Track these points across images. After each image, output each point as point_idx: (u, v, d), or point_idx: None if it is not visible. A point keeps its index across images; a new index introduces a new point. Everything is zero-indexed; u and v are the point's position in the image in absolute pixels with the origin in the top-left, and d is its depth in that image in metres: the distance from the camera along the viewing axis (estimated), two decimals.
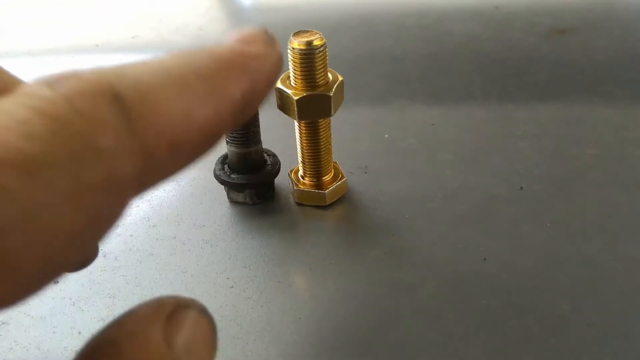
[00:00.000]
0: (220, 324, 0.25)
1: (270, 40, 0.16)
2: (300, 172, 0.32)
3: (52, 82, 0.12)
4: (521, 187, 0.33)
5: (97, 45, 0.51)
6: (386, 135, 0.38)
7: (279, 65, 0.16)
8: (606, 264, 0.28)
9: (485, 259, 0.28)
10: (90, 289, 0.28)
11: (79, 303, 0.27)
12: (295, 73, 0.27)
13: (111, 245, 0.30)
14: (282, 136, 0.35)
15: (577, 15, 0.50)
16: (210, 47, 0.15)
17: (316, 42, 0.27)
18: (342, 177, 0.32)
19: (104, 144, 0.11)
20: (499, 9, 0.52)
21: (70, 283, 0.28)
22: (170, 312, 0.14)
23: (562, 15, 0.51)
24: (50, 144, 0.11)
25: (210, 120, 0.14)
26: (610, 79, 0.43)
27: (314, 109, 0.28)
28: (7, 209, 0.10)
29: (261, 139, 0.31)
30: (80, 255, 0.12)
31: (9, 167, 0.10)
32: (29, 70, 0.49)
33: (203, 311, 0.15)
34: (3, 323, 0.26)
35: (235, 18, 0.56)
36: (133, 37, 0.51)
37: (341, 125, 0.37)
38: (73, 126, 0.11)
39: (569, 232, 0.30)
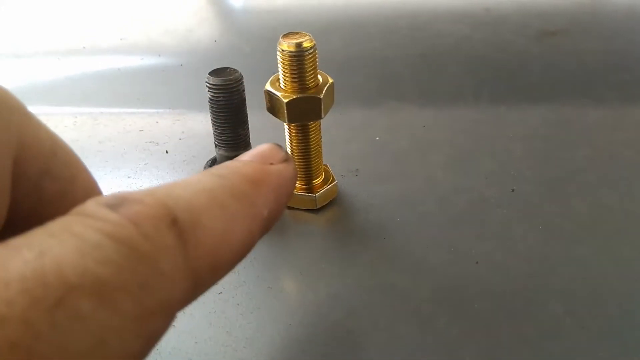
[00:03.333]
0: (208, 331, 0.25)
1: (285, 157, 0.18)
2: None
3: (114, 205, 0.12)
4: (513, 189, 0.33)
5: (85, 48, 0.50)
6: (377, 138, 0.38)
7: (295, 179, 0.18)
8: (599, 266, 0.28)
9: (477, 262, 0.28)
10: None
11: None
12: (285, 75, 0.27)
13: None
14: (271, 139, 0.34)
15: (567, 18, 0.50)
16: (235, 165, 0.16)
17: (306, 44, 0.26)
18: (333, 180, 0.32)
19: (166, 269, 0.12)
20: (489, 12, 0.52)
21: None
22: None
23: (552, 17, 0.51)
24: (121, 269, 0.11)
25: (245, 240, 0.15)
26: (601, 80, 0.43)
27: (304, 112, 0.28)
28: (82, 335, 0.10)
29: (250, 141, 0.31)
30: None
31: (86, 293, 0.10)
32: (15, 73, 0.48)
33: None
34: None
35: (224, 20, 0.55)
36: (121, 39, 0.51)
37: (332, 128, 0.37)
38: (141, 251, 0.11)
39: (561, 234, 0.30)
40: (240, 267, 0.28)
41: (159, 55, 0.48)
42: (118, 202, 0.12)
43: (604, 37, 0.48)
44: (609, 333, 0.24)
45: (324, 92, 0.27)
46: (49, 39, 0.52)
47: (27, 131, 0.15)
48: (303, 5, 0.54)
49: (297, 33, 0.27)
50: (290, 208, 0.32)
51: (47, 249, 0.11)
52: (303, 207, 0.32)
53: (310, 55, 0.26)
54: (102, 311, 0.10)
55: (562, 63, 0.45)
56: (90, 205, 0.12)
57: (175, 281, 0.12)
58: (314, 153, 0.30)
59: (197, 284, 0.13)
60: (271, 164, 0.17)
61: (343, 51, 0.46)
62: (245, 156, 0.17)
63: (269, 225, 0.16)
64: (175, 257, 0.12)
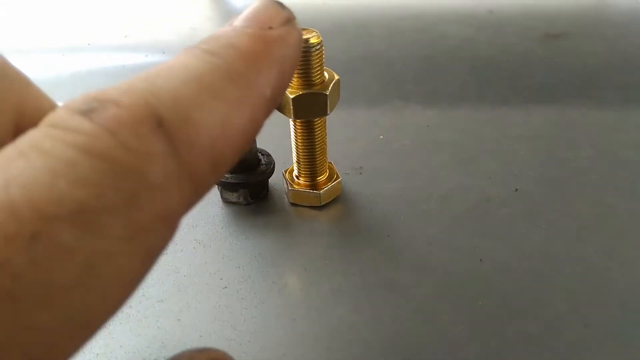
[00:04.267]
0: (213, 325, 0.25)
1: (288, 17, 0.15)
2: (295, 172, 0.32)
3: (85, 110, 0.10)
4: (516, 189, 0.33)
5: (89, 44, 0.50)
6: (381, 137, 0.38)
7: (301, 45, 0.15)
8: (602, 265, 0.28)
9: (481, 259, 0.28)
10: None
11: None
12: None
13: None
14: (276, 136, 0.34)
15: (570, 20, 0.51)
16: (228, 36, 0.13)
17: (313, 40, 0.26)
18: (337, 177, 0.32)
19: (155, 179, 0.10)
20: (493, 14, 0.52)
21: None
22: None
23: (556, 20, 0.51)
24: (103, 188, 0.10)
25: (247, 128, 0.13)
26: (604, 82, 0.43)
27: (309, 108, 0.28)
28: (67, 267, 0.09)
29: (255, 137, 0.31)
30: (132, 294, 0.11)
31: (66, 222, 0.09)
32: (20, 69, 0.48)
33: None
34: None
35: (229, 17, 0.55)
36: (125, 36, 0.51)
37: (336, 126, 0.37)
38: (123, 164, 0.10)
39: (564, 233, 0.30)
40: (245, 262, 0.28)
41: (163, 53, 0.48)
42: (91, 106, 0.10)
43: (607, 39, 0.48)
44: (613, 331, 0.24)
45: (330, 88, 0.27)
46: (53, 36, 0.52)
47: (28, 100, 0.14)
48: (307, 6, 0.54)
49: (305, 29, 0.27)
50: (294, 205, 0.32)
51: (14, 175, 0.09)
52: (307, 203, 0.32)
53: (317, 52, 0.27)
54: (87, 239, 0.09)
55: (565, 65, 0.45)
56: (60, 113, 0.11)
57: (170, 190, 0.11)
58: (319, 150, 0.31)
59: (198, 185, 0.12)
60: (270, 28, 0.14)
61: (348, 51, 0.47)
62: (238, 20, 0.14)
63: (273, 105, 0.14)
64: (166, 165, 0.11)
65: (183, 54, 0.13)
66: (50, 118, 0.11)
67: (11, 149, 0.10)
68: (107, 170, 0.10)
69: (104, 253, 0.10)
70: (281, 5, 0.15)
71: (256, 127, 0.13)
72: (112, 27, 0.53)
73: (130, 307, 0.26)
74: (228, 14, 0.56)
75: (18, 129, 0.14)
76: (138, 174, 0.10)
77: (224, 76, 0.12)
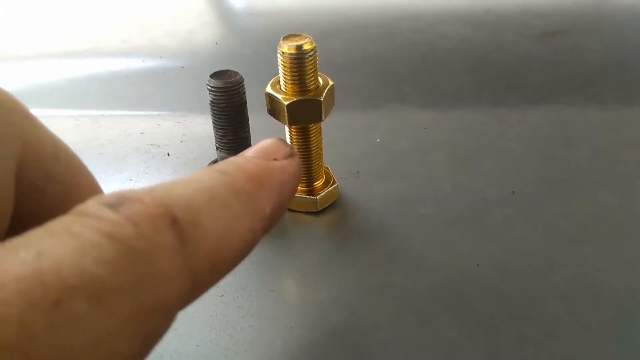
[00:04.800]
0: (210, 334, 0.25)
1: (290, 153, 0.18)
2: None
3: (113, 204, 0.12)
4: (513, 191, 0.33)
5: (86, 50, 0.50)
6: (378, 139, 0.38)
7: (299, 176, 0.18)
8: (600, 266, 0.28)
9: (477, 263, 0.28)
10: None
11: None
12: (285, 78, 0.27)
13: None
14: None
15: (568, 18, 0.50)
16: (238, 161, 0.16)
17: (306, 47, 0.26)
18: (334, 182, 0.32)
19: (163, 269, 0.12)
20: (490, 12, 0.52)
21: None
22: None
23: (553, 18, 0.51)
24: (118, 268, 0.11)
25: (246, 238, 0.15)
26: (602, 81, 0.43)
27: (304, 114, 0.28)
28: (77, 336, 0.10)
29: (251, 143, 0.31)
30: None
31: (84, 294, 0.10)
32: (16, 75, 0.48)
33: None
34: None
35: (226, 22, 0.55)
36: (123, 42, 0.51)
37: (332, 130, 0.37)
38: (138, 250, 0.11)
39: (562, 234, 0.30)
40: (241, 270, 0.28)
41: (160, 58, 0.48)
42: (118, 202, 0.12)
43: (605, 37, 0.48)
44: (610, 333, 0.24)
45: (324, 94, 0.27)
46: (51, 41, 0.52)
47: (30, 134, 0.15)
48: (304, 7, 0.54)
49: (298, 35, 0.27)
50: (291, 210, 0.32)
51: (45, 250, 0.11)
52: (304, 209, 0.32)
53: (310, 58, 0.27)
54: (98, 312, 0.10)
55: (563, 63, 0.45)
56: (90, 204, 0.12)
57: (173, 281, 0.12)
58: (315, 155, 0.30)
59: (197, 283, 0.13)
60: (275, 159, 0.17)
61: (344, 53, 0.46)
62: (249, 152, 0.17)
63: (272, 222, 0.16)
64: (174, 257, 0.12)
65: (199, 171, 0.15)
66: (81, 208, 0.12)
67: (41, 230, 0.11)
68: (124, 253, 0.11)
69: (110, 329, 0.11)
70: (285, 143, 0.18)
71: (254, 239, 0.15)
72: (109, 33, 0.53)
73: None
74: (225, 18, 0.56)
75: (21, 162, 0.15)
76: (150, 260, 0.12)
77: (231, 191, 0.14)
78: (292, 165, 0.17)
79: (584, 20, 0.50)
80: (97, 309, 0.10)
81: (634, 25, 0.48)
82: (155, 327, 0.12)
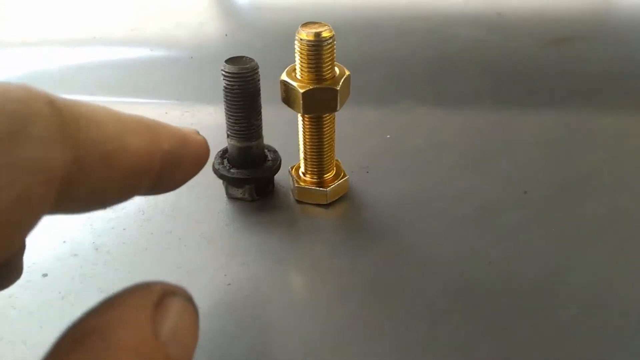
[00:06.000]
0: (217, 322, 0.24)
1: (199, 135, 0.20)
2: (302, 169, 0.32)
3: None
4: (525, 192, 0.32)
5: (95, 37, 0.50)
6: (388, 136, 0.37)
7: (205, 150, 0.19)
8: (612, 269, 0.27)
9: (490, 262, 0.28)
10: (80, 282, 0.27)
11: (68, 297, 0.26)
12: (302, 65, 0.27)
13: (104, 238, 0.29)
14: (283, 133, 0.34)
15: (578, 24, 0.50)
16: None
17: (325, 34, 0.26)
18: (344, 175, 0.32)
19: (37, 132, 0.12)
20: (501, 16, 0.52)
21: (60, 276, 0.27)
22: (157, 299, 0.15)
23: (564, 23, 0.50)
24: None
25: (141, 154, 0.15)
26: (613, 86, 0.42)
27: (319, 103, 0.27)
28: None
29: (263, 134, 0.30)
30: (2, 253, 0.12)
31: None
32: (25, 61, 0.48)
33: (189, 299, 0.16)
34: None
35: (236, 15, 0.55)
36: (132, 30, 0.50)
37: (344, 124, 0.36)
38: (12, 112, 0.12)
39: (574, 237, 0.29)
40: (249, 260, 0.28)
41: (169, 48, 0.47)
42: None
43: (616, 43, 0.47)
44: (623, 339, 0.24)
45: (340, 83, 0.27)
46: (60, 28, 0.52)
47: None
48: (316, 2, 0.54)
49: (317, 23, 0.26)
50: (300, 202, 0.31)
51: None
52: (313, 201, 0.31)
53: (328, 46, 0.26)
54: None
55: (573, 69, 0.45)
56: None
57: (49, 146, 0.12)
58: (327, 147, 0.30)
59: (83, 165, 0.13)
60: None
61: (358, 50, 0.46)
62: None
63: (170, 163, 0.17)
64: (47, 124, 0.12)
65: None
66: None
67: None
68: None
69: None
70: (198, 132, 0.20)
71: (150, 161, 0.16)
72: (119, 21, 0.52)
73: None
74: (236, 11, 0.55)
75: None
76: (23, 121, 0.12)
77: (130, 115, 0.16)
78: (198, 137, 0.19)
79: (595, 26, 0.50)
80: None
81: None
82: (31, 189, 0.12)
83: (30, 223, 0.13)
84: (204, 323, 0.24)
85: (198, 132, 0.20)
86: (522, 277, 0.27)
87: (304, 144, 0.30)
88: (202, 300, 0.25)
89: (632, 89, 0.42)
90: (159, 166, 0.16)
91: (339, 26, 0.49)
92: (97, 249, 0.28)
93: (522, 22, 0.51)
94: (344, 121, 0.35)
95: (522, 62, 0.45)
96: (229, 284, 0.26)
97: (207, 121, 0.39)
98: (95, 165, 0.14)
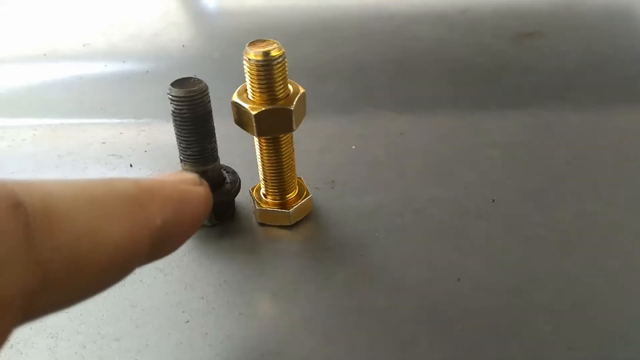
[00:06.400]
0: None
1: (200, 181, 0.17)
2: (263, 190, 0.30)
3: None
4: (493, 200, 0.32)
5: (45, 55, 0.47)
6: (353, 147, 0.36)
7: (206, 204, 0.17)
8: (584, 279, 0.27)
9: (459, 278, 0.27)
10: (29, 328, 0.25)
11: (17, 345, 0.24)
12: (252, 86, 0.25)
13: None
14: (241, 152, 0.33)
15: (543, 19, 0.50)
16: (134, 177, 0.15)
17: (274, 53, 0.24)
18: (307, 194, 0.30)
19: None
20: (464, 14, 0.51)
21: None
22: None
23: (528, 19, 0.50)
24: None
25: (122, 243, 0.13)
26: (580, 83, 0.42)
27: (274, 124, 0.26)
28: None
29: (218, 155, 0.29)
30: None
31: None
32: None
33: None
34: None
35: (193, 24, 0.53)
36: (84, 45, 0.48)
37: (305, 138, 0.35)
38: None
39: (545, 245, 0.29)
40: (209, 292, 0.26)
41: (124, 62, 0.45)
42: None
43: (581, 38, 0.47)
44: (598, 352, 0.23)
45: (294, 103, 0.26)
46: (7, 45, 0.49)
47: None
48: (275, 9, 0.52)
49: (265, 41, 0.25)
50: (262, 225, 0.30)
51: None
52: (276, 223, 0.30)
53: (279, 64, 0.25)
54: None
55: (540, 65, 0.44)
56: None
57: (10, 270, 0.10)
58: (287, 166, 0.29)
59: (49, 280, 0.11)
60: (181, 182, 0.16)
61: (316, 56, 0.45)
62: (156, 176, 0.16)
63: (165, 239, 0.15)
64: (9, 241, 0.10)
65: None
66: None
67: None
68: None
69: None
70: (198, 177, 0.17)
71: (135, 248, 0.13)
72: (69, 36, 0.50)
73: (85, 347, 0.24)
74: (193, 20, 0.53)
75: None
76: None
77: (112, 191, 0.13)
78: (199, 191, 0.16)
79: (559, 21, 0.49)
80: None
81: (609, 25, 0.48)
82: None
83: None
84: None
85: (198, 179, 0.17)
86: (491, 293, 0.26)
87: (263, 165, 0.29)
88: (159, 341, 0.24)
89: (598, 85, 0.42)
90: (150, 246, 0.14)
91: (298, 31, 0.48)
92: None
93: (486, 19, 0.50)
94: (305, 134, 0.34)
95: (487, 61, 0.45)
96: (188, 322, 0.25)
97: (165, 140, 0.37)
98: (65, 275, 0.12)
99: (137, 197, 0.14)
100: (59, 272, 0.12)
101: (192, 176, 0.17)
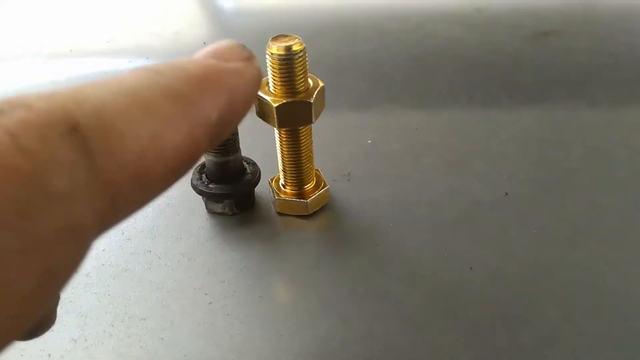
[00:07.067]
0: (197, 343, 0.24)
1: (248, 56, 0.15)
2: (281, 181, 0.31)
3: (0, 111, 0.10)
4: (506, 193, 0.32)
5: (71, 51, 0.49)
6: (369, 141, 0.37)
7: (258, 83, 0.15)
8: (595, 269, 0.27)
9: (471, 267, 0.28)
10: (60, 307, 0.26)
11: None
12: (274, 79, 0.26)
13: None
14: (262, 143, 0.34)
15: (559, 18, 0.50)
16: (181, 62, 0.13)
17: (295, 47, 0.25)
18: (325, 185, 0.31)
19: (58, 189, 0.10)
20: (480, 12, 0.52)
21: None
22: None
23: (544, 18, 0.50)
24: None
25: (184, 146, 0.12)
26: (594, 80, 0.42)
27: (294, 116, 0.27)
28: None
29: (240, 146, 0.30)
30: (35, 319, 0.10)
31: None
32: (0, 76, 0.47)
33: None
34: None
35: (214, 22, 0.55)
36: (108, 42, 0.50)
37: (323, 131, 0.36)
38: (18, 170, 0.09)
39: (557, 237, 0.29)
40: (230, 276, 0.27)
41: (147, 58, 0.47)
42: (1, 108, 0.10)
43: (596, 37, 0.48)
44: (607, 339, 0.24)
45: (314, 96, 0.27)
46: (35, 42, 0.51)
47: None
48: (294, 7, 0.54)
49: (287, 36, 0.26)
50: (280, 214, 0.31)
51: None
52: (294, 213, 0.31)
53: (300, 59, 0.26)
54: None
55: (554, 63, 0.45)
56: None
57: (77, 202, 0.10)
58: (305, 158, 0.30)
59: (118, 199, 0.11)
60: (227, 61, 0.14)
61: (334, 53, 0.46)
62: (198, 54, 0.15)
63: (221, 131, 0.14)
64: (75, 172, 0.10)
65: (129, 71, 0.12)
66: None
67: None
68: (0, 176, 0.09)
69: None
70: (243, 46, 0.15)
71: (196, 148, 0.13)
72: (94, 33, 0.52)
73: (113, 326, 0.25)
74: (213, 18, 0.55)
75: None
76: (35, 181, 0.09)
77: (163, 92, 0.12)
78: (249, 69, 0.15)
79: (575, 20, 0.50)
80: None
81: (624, 24, 0.48)
82: (61, 257, 0.10)
83: (59, 291, 0.11)
84: (185, 344, 0.24)
85: (245, 51, 0.15)
86: (503, 282, 0.27)
87: (282, 156, 0.30)
88: (183, 321, 0.25)
89: (612, 82, 0.42)
90: (208, 141, 0.13)
91: (317, 29, 0.49)
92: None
93: (502, 17, 0.51)
94: (323, 128, 0.35)
95: (502, 59, 0.45)
96: (210, 303, 0.26)
97: None
98: (133, 190, 0.11)
99: (191, 94, 0.13)
100: (127, 188, 0.11)
101: (240, 48, 0.15)
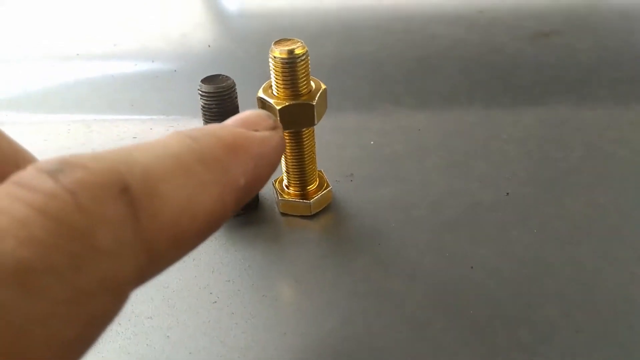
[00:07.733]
0: (202, 341, 0.25)
1: (273, 125, 0.16)
2: (285, 182, 0.32)
3: (54, 171, 0.10)
4: (507, 193, 0.33)
5: (78, 54, 0.50)
6: (372, 142, 0.37)
7: (281, 151, 0.17)
8: (595, 268, 0.28)
9: (472, 266, 0.28)
10: None
11: None
12: (277, 82, 0.27)
13: None
14: None
15: (560, 18, 0.50)
16: (213, 128, 0.15)
17: (298, 51, 0.26)
18: (327, 186, 0.32)
19: (106, 245, 0.10)
20: (483, 13, 0.52)
21: None
22: None
23: (546, 18, 0.51)
24: (50, 249, 0.10)
25: (214, 209, 0.13)
26: (594, 80, 0.43)
27: (297, 119, 0.27)
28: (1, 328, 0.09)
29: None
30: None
31: (4, 279, 0.09)
32: (7, 79, 0.48)
33: None
34: None
35: (218, 25, 0.55)
36: (114, 45, 0.50)
37: (326, 133, 0.37)
38: (76, 226, 0.10)
39: (557, 236, 0.30)
40: (234, 275, 0.28)
41: (153, 61, 0.47)
42: (59, 168, 0.10)
43: (597, 36, 0.48)
44: (605, 337, 0.24)
45: (316, 98, 0.27)
46: (42, 45, 0.52)
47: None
48: (297, 9, 0.54)
49: (289, 39, 0.26)
50: (284, 215, 0.32)
51: None
52: (297, 213, 0.31)
53: (302, 62, 0.26)
54: (24, 300, 0.09)
55: (555, 63, 0.45)
56: (29, 171, 0.11)
57: (122, 257, 0.11)
58: (308, 159, 0.30)
59: (156, 258, 0.12)
60: (256, 130, 0.15)
61: (337, 54, 0.46)
62: (228, 121, 0.16)
63: (246, 195, 0.15)
64: (121, 231, 0.11)
65: (167, 136, 0.14)
66: (18, 175, 0.11)
67: None
68: (56, 230, 0.10)
69: (40, 316, 0.09)
70: (270, 115, 0.17)
71: (224, 211, 0.14)
72: (101, 36, 0.52)
73: (119, 324, 0.26)
74: (218, 21, 0.55)
75: None
76: (89, 236, 0.10)
77: (198, 158, 0.13)
78: (274, 137, 0.16)
79: (577, 20, 0.50)
80: (23, 296, 0.09)
81: (624, 24, 0.48)
82: (100, 308, 0.10)
83: (98, 337, 0.11)
84: (190, 342, 0.25)
85: (273, 120, 0.16)
86: (504, 281, 0.27)
87: (285, 158, 0.30)
88: (188, 319, 0.26)
89: (613, 82, 0.42)
90: (235, 204, 0.14)
91: (320, 31, 0.50)
92: None
93: (504, 18, 0.51)
94: (326, 129, 0.36)
95: (504, 59, 0.46)
96: (215, 302, 0.26)
97: None
98: (168, 250, 0.12)
99: (223, 159, 0.14)
100: (164, 247, 0.12)
101: (267, 118, 0.16)
